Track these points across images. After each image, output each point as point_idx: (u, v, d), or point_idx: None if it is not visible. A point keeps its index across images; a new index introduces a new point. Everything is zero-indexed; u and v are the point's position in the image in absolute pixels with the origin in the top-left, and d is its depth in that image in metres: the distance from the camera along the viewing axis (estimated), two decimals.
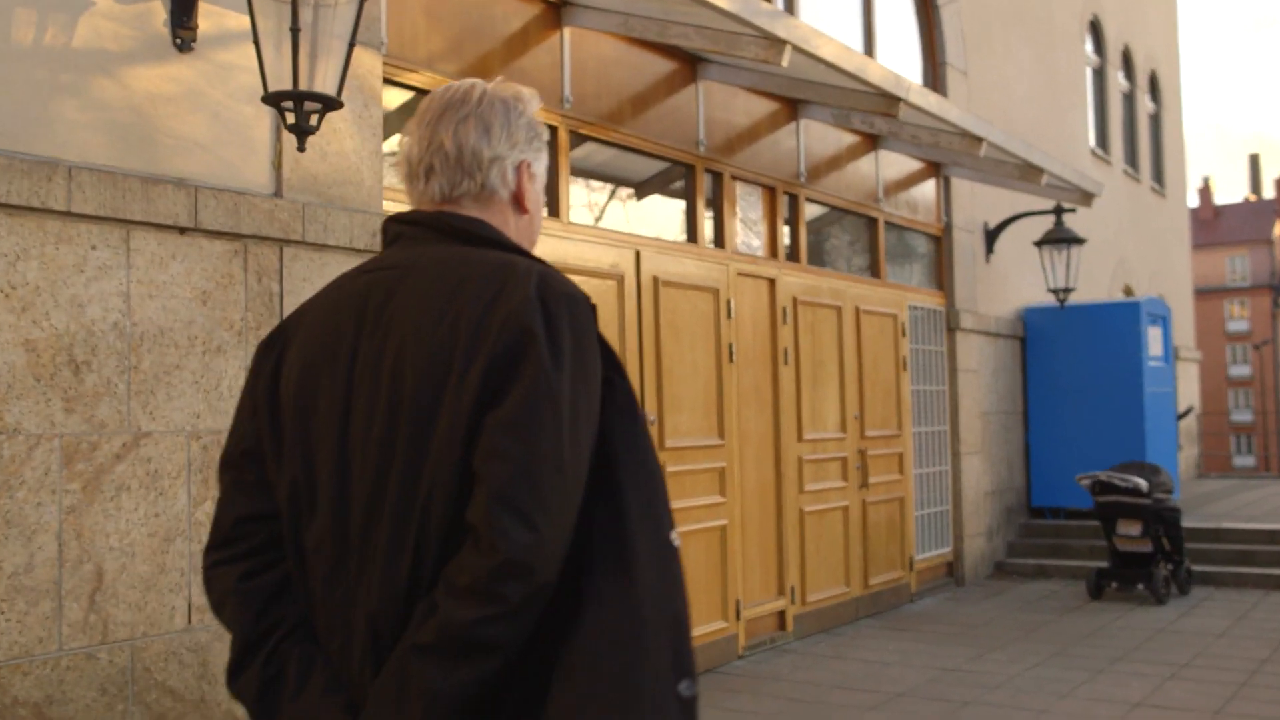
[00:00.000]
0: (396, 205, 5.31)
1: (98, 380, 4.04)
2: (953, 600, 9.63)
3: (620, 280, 6.55)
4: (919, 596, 9.62)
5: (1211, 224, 64.30)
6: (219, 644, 4.33)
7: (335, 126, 4.93)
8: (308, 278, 4.75)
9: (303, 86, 3.97)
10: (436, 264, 1.67)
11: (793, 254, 8.43)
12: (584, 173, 6.70)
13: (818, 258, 8.89)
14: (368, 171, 5.07)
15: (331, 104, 4.08)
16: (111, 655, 4.03)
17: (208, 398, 4.36)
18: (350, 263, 4.90)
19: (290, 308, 4.67)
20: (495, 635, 1.51)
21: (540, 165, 1.87)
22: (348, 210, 4.92)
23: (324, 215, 4.81)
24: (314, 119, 4.09)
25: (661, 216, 7.32)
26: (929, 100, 7.01)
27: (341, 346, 1.69)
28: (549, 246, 6.09)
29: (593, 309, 1.65)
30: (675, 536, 1.65)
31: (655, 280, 6.78)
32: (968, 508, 10.42)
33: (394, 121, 5.55)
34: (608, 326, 6.48)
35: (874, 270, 9.53)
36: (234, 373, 4.44)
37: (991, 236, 11.08)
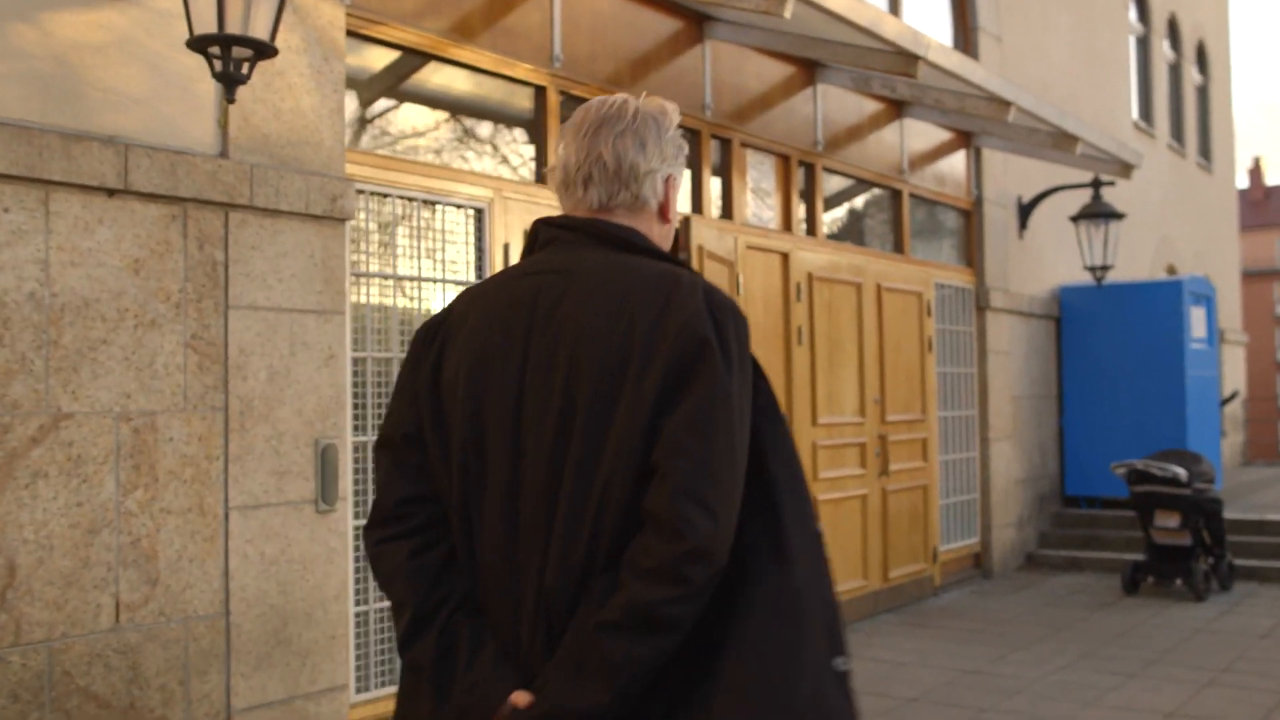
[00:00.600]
0: (361, 169, 4.91)
1: (10, 356, 3.66)
2: (979, 594, 9.16)
3: None
4: (943, 590, 9.15)
5: (1262, 205, 62.78)
6: (151, 645, 3.96)
7: (291, 82, 4.53)
8: (258, 245, 4.36)
9: (232, 30, 3.56)
10: (601, 269, 1.80)
11: (809, 227, 7.96)
12: None
13: (837, 232, 8.42)
14: (328, 131, 4.66)
15: (265, 50, 3.68)
16: (25, 658, 3.66)
17: (140, 375, 3.98)
18: (306, 230, 4.52)
19: (237, 278, 4.29)
20: (679, 614, 1.67)
21: (682, 178, 2.00)
22: (304, 173, 4.52)
23: (276, 178, 4.40)
24: (245, 67, 3.68)
25: None
26: (951, 60, 6.51)
27: (513, 342, 1.80)
28: (539, 215, 5.66)
29: (746, 319, 1.82)
30: (819, 525, 1.83)
31: None
32: (997, 496, 9.92)
33: (362, 79, 5.14)
34: None
35: (898, 246, 9.03)
36: (171, 348, 4.06)
37: (1025, 211, 10.55)
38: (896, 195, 9.04)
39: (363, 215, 4.98)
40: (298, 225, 4.51)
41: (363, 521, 4.60)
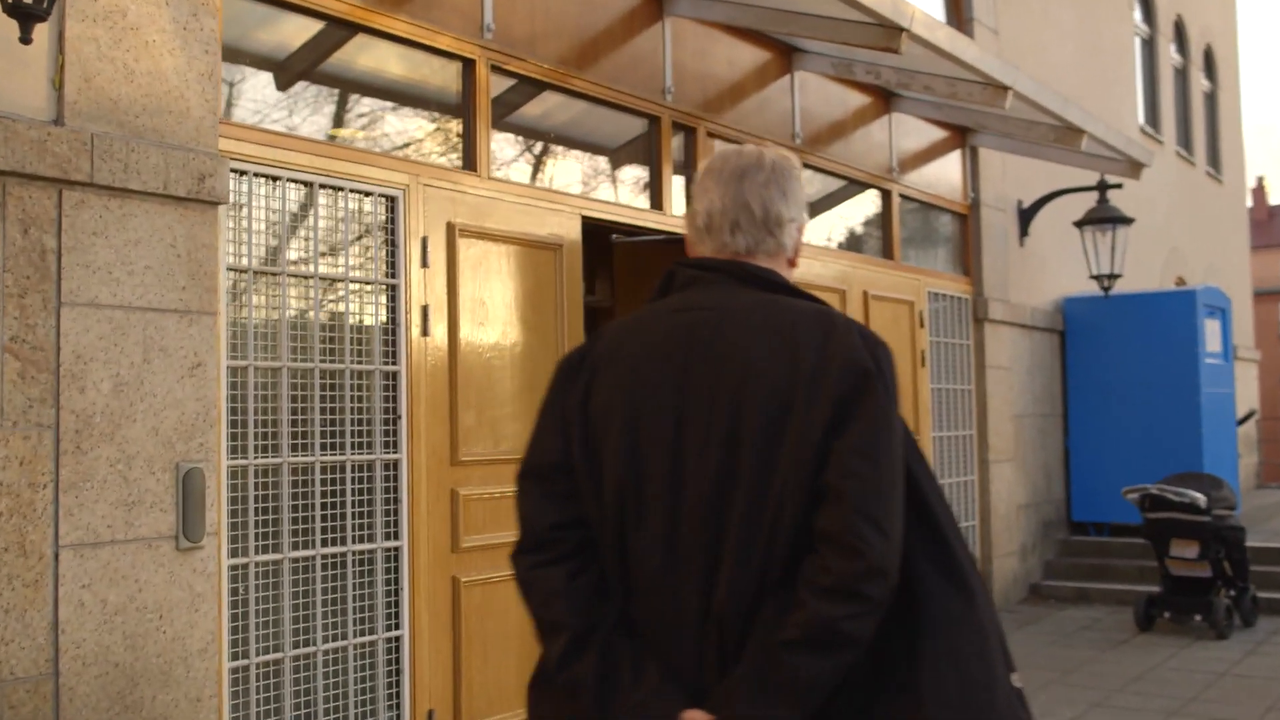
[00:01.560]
0: (243, 146, 4.18)
1: None
2: None
3: (558, 252, 5.39)
4: None
5: (1266, 225, 62.13)
6: None
7: (148, 39, 3.81)
8: (100, 231, 3.64)
9: None
10: (756, 307, 1.93)
11: None
12: (516, 123, 5.55)
13: (818, 235, 7.68)
14: (196, 99, 3.94)
15: None
16: None
17: None
18: (167, 214, 3.81)
19: (73, 269, 3.57)
20: (859, 630, 1.78)
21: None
22: (163, 147, 3.80)
23: (125, 151, 3.68)
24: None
25: (617, 178, 6.16)
26: (938, 35, 5.80)
27: (670, 374, 1.91)
28: (468, 206, 4.95)
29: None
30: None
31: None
32: (998, 523, 9.16)
33: (249, 43, 4.42)
34: (545, 307, 5.33)
35: (887, 251, 8.30)
36: None
37: (1026, 216, 9.82)
38: (885, 196, 8.31)
39: (245, 200, 4.25)
40: (155, 208, 3.78)
41: (240, 559, 3.90)
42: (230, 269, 4.16)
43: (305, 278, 4.42)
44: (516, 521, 2.03)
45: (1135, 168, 9.03)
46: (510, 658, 5.05)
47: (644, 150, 6.20)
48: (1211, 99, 16.09)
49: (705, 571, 1.85)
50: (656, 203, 6.20)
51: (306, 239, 4.46)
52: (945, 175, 8.97)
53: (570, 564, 1.93)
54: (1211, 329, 10.34)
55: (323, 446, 4.41)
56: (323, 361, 4.45)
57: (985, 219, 9.26)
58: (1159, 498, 8.03)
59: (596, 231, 5.93)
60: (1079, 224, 9.85)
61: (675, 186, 6.29)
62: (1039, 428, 9.99)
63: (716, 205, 2.01)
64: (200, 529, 3.84)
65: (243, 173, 4.21)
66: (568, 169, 5.80)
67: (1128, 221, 9.76)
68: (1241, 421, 12.97)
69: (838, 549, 1.76)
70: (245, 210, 4.25)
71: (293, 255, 4.42)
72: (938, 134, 8.84)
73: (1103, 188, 9.74)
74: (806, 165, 7.38)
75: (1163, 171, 12.59)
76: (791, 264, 2.10)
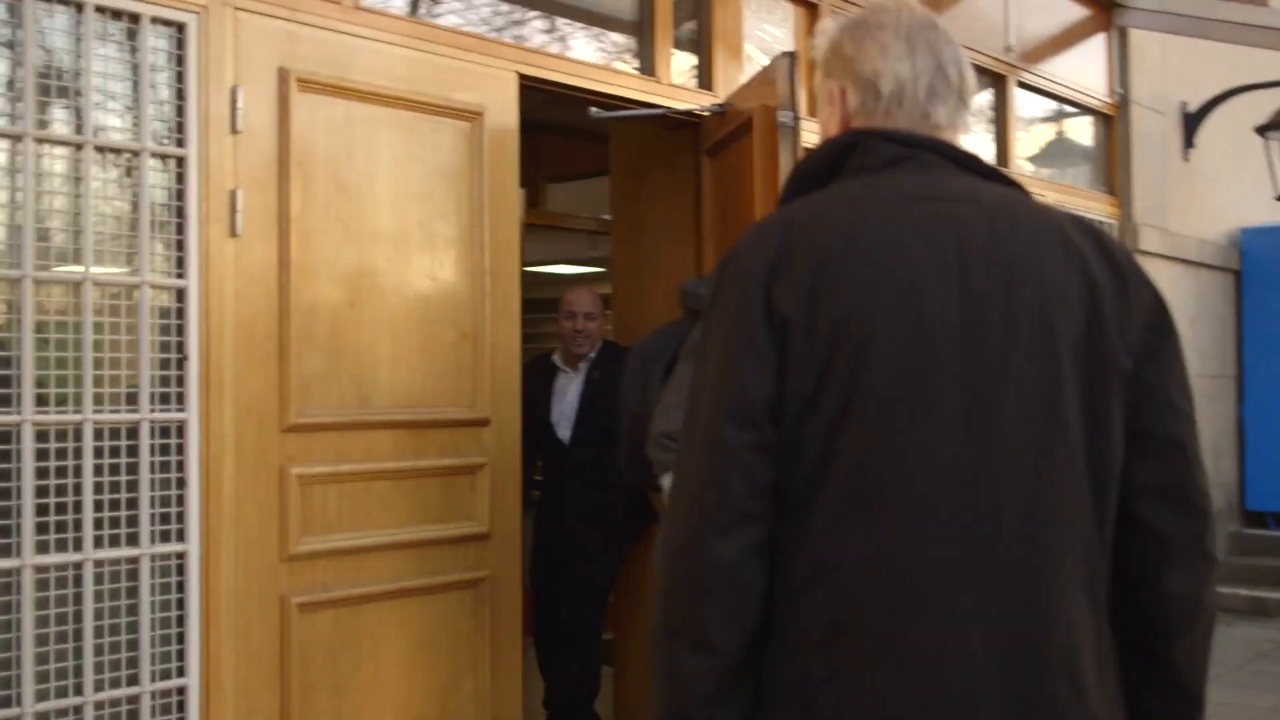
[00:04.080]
0: None
1: None
2: None
3: (475, 124, 3.72)
4: None
5: None
6: None
7: None
8: None
9: None
10: (1014, 205, 1.57)
11: None
12: None
13: None
14: None
15: None
16: None
17: None
18: None
19: None
20: (1214, 597, 1.55)
21: None
22: None
23: None
24: None
25: (582, 31, 4.44)
26: None
27: (943, 279, 1.46)
28: (318, 46, 3.33)
29: None
30: None
31: None
32: None
33: None
34: (453, 204, 3.68)
35: (1000, 157, 6.40)
36: None
37: (1193, 122, 7.75)
38: (998, 84, 6.39)
39: None
40: None
41: None
42: None
43: (15, 138, 2.85)
44: (700, 487, 1.43)
45: None
46: (383, 715, 3.45)
47: None
48: None
49: (1028, 536, 1.42)
50: (649, 66, 4.46)
51: (41, 82, 2.88)
52: (1084, 63, 6.99)
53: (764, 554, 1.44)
54: None
55: (49, 400, 2.86)
56: (57, 267, 2.89)
57: (1137, 123, 7.24)
58: None
59: (552, 106, 4.24)
60: (1263, 129, 7.69)
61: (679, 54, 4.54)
62: (1204, 392, 7.93)
63: (905, 67, 1.59)
64: None
65: None
66: (495, 9, 4.09)
67: None
68: None
69: (1186, 508, 1.51)
70: None
71: (3, 108, 2.86)
72: (1073, 10, 6.89)
73: None
74: None
75: None
76: None
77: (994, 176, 1.61)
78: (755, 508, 1.43)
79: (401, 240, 3.53)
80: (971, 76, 1.65)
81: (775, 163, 3.69)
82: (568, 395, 4.62)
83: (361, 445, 3.41)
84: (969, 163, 1.60)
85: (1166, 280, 7.40)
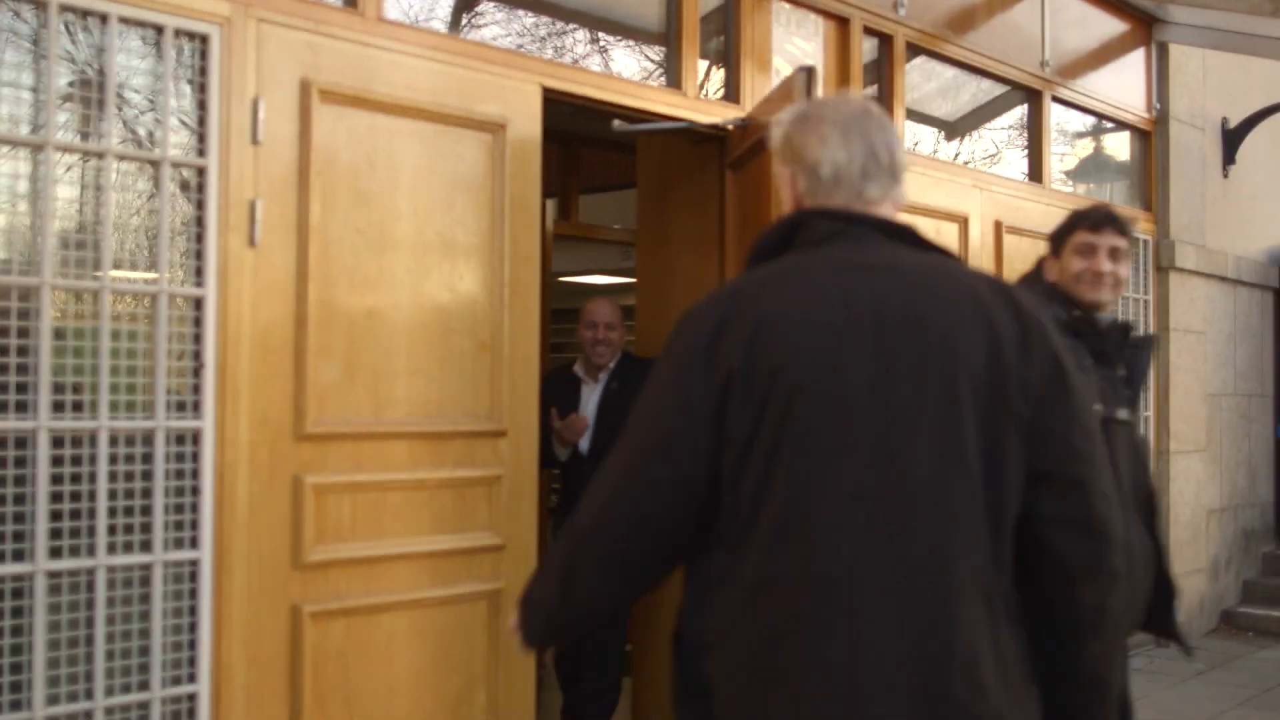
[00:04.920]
0: None
1: None
2: (1145, 674, 6.37)
3: (498, 136, 3.73)
4: None
5: None
6: None
7: None
8: None
9: None
10: (929, 270, 1.79)
11: None
12: None
13: (931, 141, 5.81)
14: None
15: None
16: None
17: None
18: None
19: None
20: (1120, 605, 1.79)
21: None
22: None
23: None
24: None
25: (606, 43, 4.44)
26: None
27: (860, 341, 1.70)
28: (340, 58, 3.35)
29: None
30: None
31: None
32: (1181, 532, 7.08)
33: None
34: (475, 216, 3.68)
35: (1034, 172, 6.33)
36: None
37: (1233, 138, 7.63)
38: (1034, 99, 6.33)
39: None
40: None
41: None
42: None
43: (37, 147, 2.87)
44: (618, 499, 1.78)
45: None
46: None
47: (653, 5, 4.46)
48: None
49: (932, 559, 1.65)
50: (674, 79, 4.45)
51: (68, 94, 2.91)
52: (1121, 78, 6.90)
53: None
54: None
55: (65, 407, 2.88)
56: (77, 277, 2.92)
57: (1176, 139, 7.14)
58: None
59: (576, 120, 4.24)
60: None
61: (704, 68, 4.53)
62: (1241, 411, 7.81)
63: (841, 154, 1.85)
64: None
65: None
66: (521, 24, 4.09)
67: None
68: None
69: (1086, 534, 1.74)
70: None
71: (27, 116, 2.89)
72: (1111, 24, 6.79)
73: None
74: (922, 51, 5.52)
75: None
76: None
77: (921, 245, 1.86)
78: (664, 531, 1.77)
79: (421, 251, 3.54)
80: (901, 156, 1.90)
81: None
82: (588, 406, 4.61)
83: (377, 455, 3.42)
84: (898, 233, 1.85)
85: (1203, 297, 7.31)
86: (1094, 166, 7.00)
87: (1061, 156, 6.60)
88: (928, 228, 5.34)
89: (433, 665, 3.54)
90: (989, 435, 1.69)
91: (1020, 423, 1.70)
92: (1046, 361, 1.74)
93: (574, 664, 4.67)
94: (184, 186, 3.11)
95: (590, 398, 4.62)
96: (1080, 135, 6.94)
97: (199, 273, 3.11)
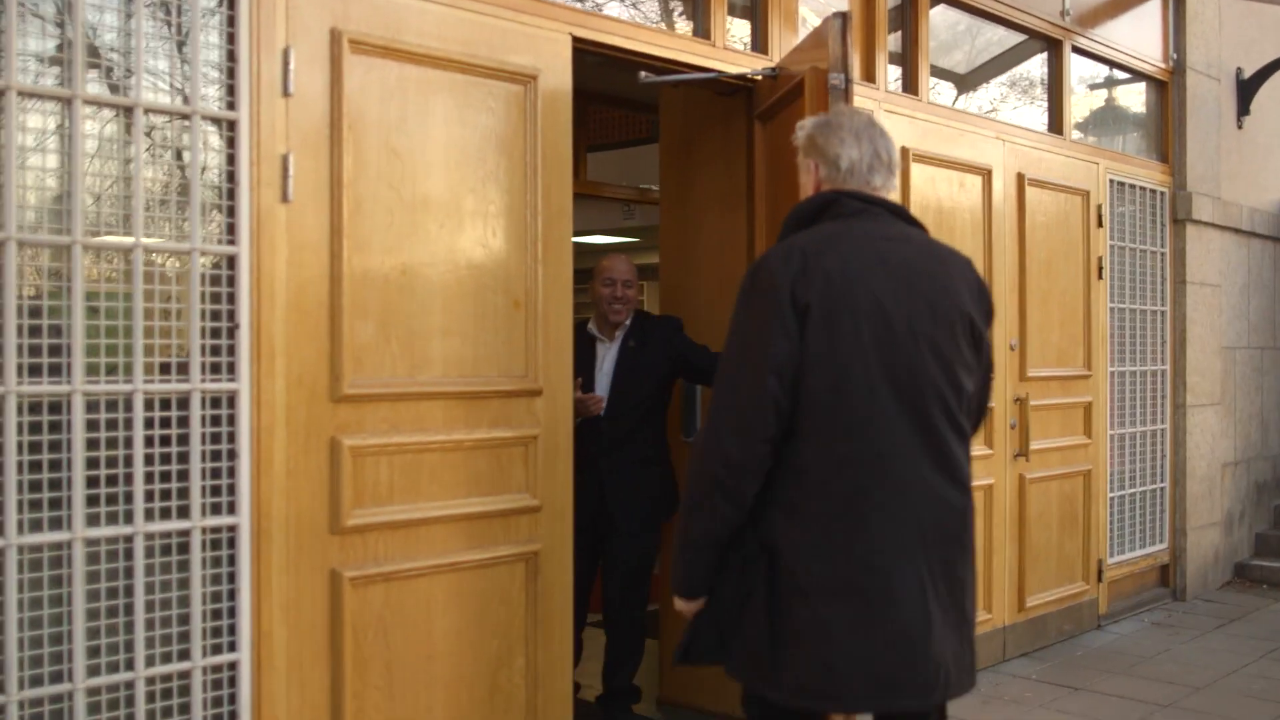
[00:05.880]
0: None
1: None
2: (1164, 627, 6.37)
3: (529, 88, 3.63)
4: (1110, 620, 6.39)
5: None
6: None
7: None
8: None
9: None
10: (922, 241, 2.56)
11: (906, 82, 5.28)
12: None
13: (951, 94, 5.71)
14: None
15: None
16: None
17: None
18: None
19: None
20: None
21: None
22: None
23: None
24: None
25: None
26: None
27: (894, 288, 2.41)
28: (368, 7, 3.24)
29: None
30: None
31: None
32: (1195, 486, 7.06)
33: None
34: (508, 168, 3.58)
35: (1054, 123, 6.24)
36: None
37: (1248, 88, 7.54)
38: (1054, 49, 6.23)
39: None
40: None
41: None
42: None
43: (65, 100, 2.76)
44: (746, 413, 2.36)
45: None
46: (434, 691, 3.39)
47: None
48: None
49: (933, 462, 2.43)
50: (702, 29, 4.34)
51: (91, 44, 2.79)
52: (1138, 28, 6.80)
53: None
54: None
55: (99, 370, 2.79)
56: (108, 231, 2.82)
57: (1192, 89, 7.06)
58: None
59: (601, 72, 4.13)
60: None
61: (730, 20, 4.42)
62: (1255, 364, 7.78)
63: (855, 154, 2.56)
64: None
65: None
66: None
67: None
68: None
69: (981, 409, 2.67)
70: None
71: (53, 70, 2.77)
72: None
73: None
74: (942, 1, 5.40)
75: None
76: None
77: (913, 222, 2.60)
78: (776, 429, 2.37)
79: (454, 206, 3.44)
80: (896, 156, 2.64)
81: None
82: (604, 365, 4.51)
83: (414, 416, 3.34)
84: (900, 213, 2.58)
85: (1218, 250, 7.25)
86: (1110, 118, 6.91)
87: (1076, 108, 6.50)
88: (951, 181, 5.27)
89: (471, 629, 3.48)
90: (963, 346, 2.48)
91: (975, 339, 2.52)
92: (986, 303, 2.58)
93: (615, 633, 4.61)
94: (215, 141, 3.01)
95: (607, 356, 4.52)
96: (1096, 86, 6.84)
97: (231, 230, 3.01)
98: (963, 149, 5.39)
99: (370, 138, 3.26)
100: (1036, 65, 6.24)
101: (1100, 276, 6.31)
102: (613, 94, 6.77)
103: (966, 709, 4.86)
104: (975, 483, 5.42)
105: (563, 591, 3.70)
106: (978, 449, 5.50)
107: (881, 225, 2.49)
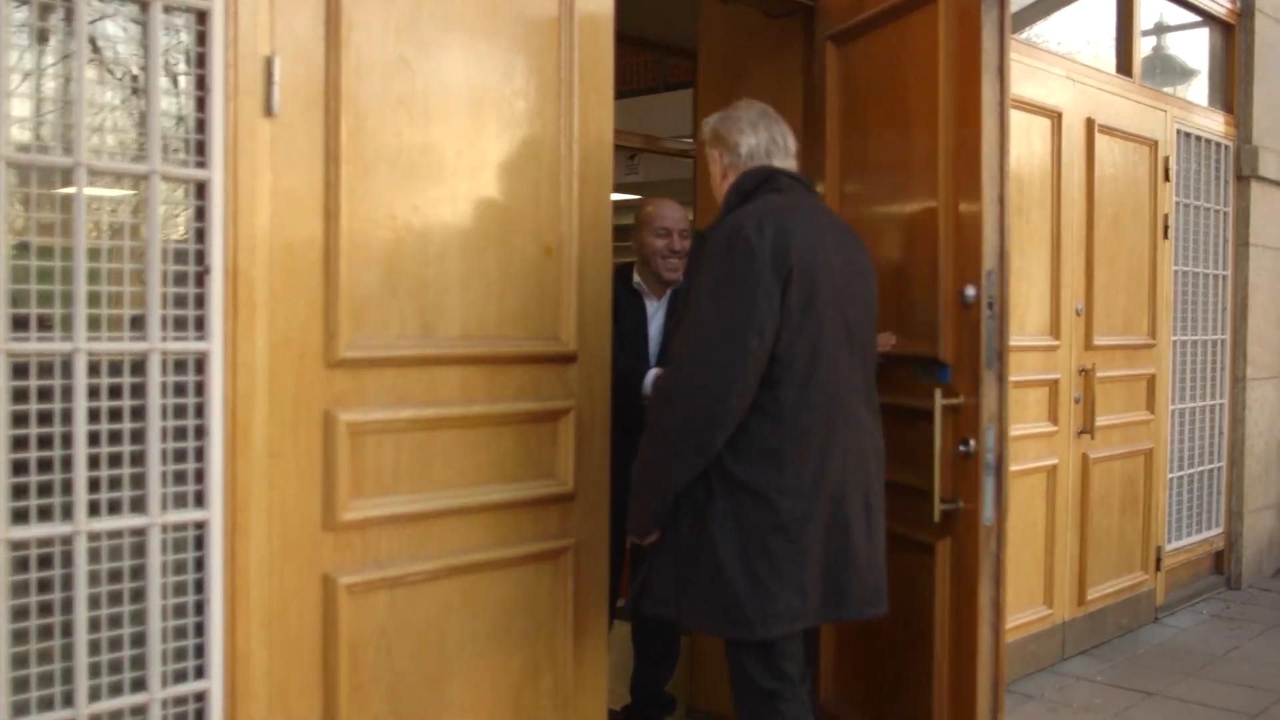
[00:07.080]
0: None
1: None
2: (1224, 620, 5.85)
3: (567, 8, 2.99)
4: (1167, 612, 5.86)
5: None
6: None
7: None
8: None
9: None
10: (835, 216, 3.04)
11: None
12: None
13: (1014, 28, 5.11)
14: None
15: None
16: None
17: None
18: None
19: None
20: None
21: None
22: None
23: None
24: None
25: None
26: None
27: (835, 256, 2.77)
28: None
29: None
30: None
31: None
32: (1254, 465, 6.53)
33: None
34: (539, 99, 2.95)
35: (1123, 64, 5.64)
36: None
37: None
38: None
39: None
40: None
41: None
42: None
43: None
44: (724, 367, 2.59)
45: None
46: (447, 719, 2.80)
47: None
48: None
49: (865, 404, 2.84)
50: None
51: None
52: None
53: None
54: None
55: (28, 324, 2.16)
56: (39, 153, 2.18)
57: (1261, 33, 6.46)
58: None
59: None
60: None
61: None
62: None
63: (753, 141, 2.88)
64: None
65: None
66: None
67: None
68: None
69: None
70: None
71: None
72: None
73: None
74: None
75: None
76: None
77: (819, 198, 3.15)
78: (753, 384, 2.61)
79: (476, 130, 2.81)
80: (793, 142, 2.92)
81: (976, 42, 2.96)
82: (652, 326, 3.90)
83: (425, 385, 2.72)
84: (811, 188, 2.95)
85: None
86: (1172, 63, 6.31)
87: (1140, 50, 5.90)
88: (1019, 125, 4.66)
89: (490, 643, 2.88)
90: (869, 309, 2.87)
91: (871, 302, 2.89)
92: (871, 270, 2.92)
93: (635, 627, 4.05)
94: (183, 36, 2.37)
95: (655, 316, 3.91)
96: (1159, 25, 6.24)
97: (201, 149, 2.37)
98: (1031, 87, 4.79)
99: (375, 39, 2.62)
100: (1108, 6, 5.64)
101: (1165, 236, 5.73)
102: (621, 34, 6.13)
103: (1026, 709, 4.32)
104: (1036, 463, 5.00)
105: (598, 596, 3.11)
106: (1039, 425, 4.94)
107: (807, 198, 2.85)
